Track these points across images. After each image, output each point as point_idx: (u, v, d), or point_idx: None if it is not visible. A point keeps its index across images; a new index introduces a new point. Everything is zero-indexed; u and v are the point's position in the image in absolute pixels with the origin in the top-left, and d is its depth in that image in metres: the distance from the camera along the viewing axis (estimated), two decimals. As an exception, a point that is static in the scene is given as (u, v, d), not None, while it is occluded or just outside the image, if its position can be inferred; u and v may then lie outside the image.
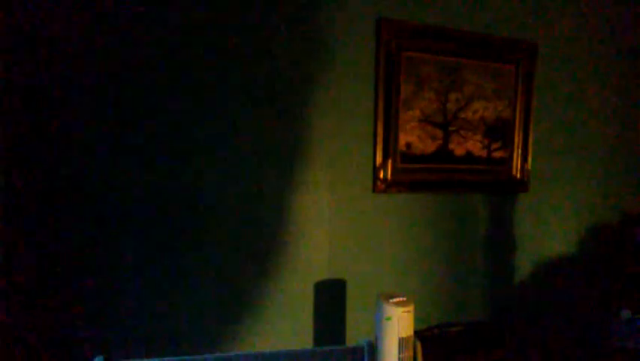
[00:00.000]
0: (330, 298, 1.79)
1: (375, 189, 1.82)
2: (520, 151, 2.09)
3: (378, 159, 1.81)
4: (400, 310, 1.47)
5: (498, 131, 2.04)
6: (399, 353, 1.48)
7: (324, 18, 1.70)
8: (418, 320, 1.92)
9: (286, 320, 1.71)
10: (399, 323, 1.46)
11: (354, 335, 1.81)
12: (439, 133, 1.92)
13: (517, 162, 2.10)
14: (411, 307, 1.51)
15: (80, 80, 1.41)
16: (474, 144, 1.99)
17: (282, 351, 1.14)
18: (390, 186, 1.84)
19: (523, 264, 2.17)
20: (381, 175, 1.82)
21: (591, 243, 2.33)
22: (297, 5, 1.66)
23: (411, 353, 1.52)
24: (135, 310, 1.51)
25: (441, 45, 1.89)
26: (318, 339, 1.76)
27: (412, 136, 1.87)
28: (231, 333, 1.64)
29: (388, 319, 1.47)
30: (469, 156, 1.99)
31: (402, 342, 1.47)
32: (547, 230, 2.22)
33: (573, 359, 2.32)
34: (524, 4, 2.06)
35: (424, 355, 1.75)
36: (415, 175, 1.88)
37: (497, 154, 2.05)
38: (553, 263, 2.24)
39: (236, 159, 1.61)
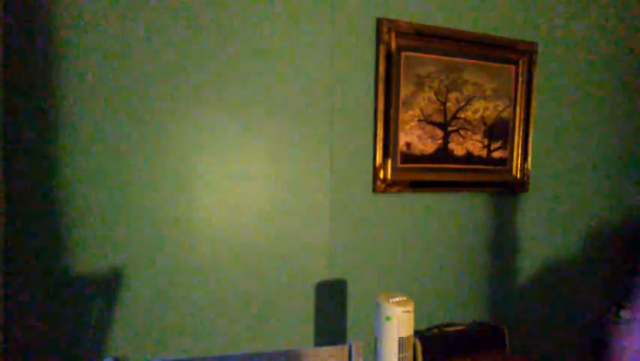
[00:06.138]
0: (331, 298, 1.79)
1: (375, 189, 1.82)
2: (520, 151, 2.10)
3: (378, 159, 1.81)
4: (400, 310, 1.47)
5: (498, 131, 2.05)
6: (399, 353, 1.48)
7: (324, 18, 1.70)
8: (418, 320, 1.92)
9: (286, 320, 1.71)
10: (399, 323, 1.46)
11: (355, 335, 1.81)
12: (439, 133, 1.92)
13: (517, 162, 2.10)
14: (411, 307, 1.51)
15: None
16: (474, 144, 2.00)
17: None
18: (390, 186, 1.84)
19: (523, 264, 2.17)
20: (381, 175, 1.82)
21: (591, 243, 2.33)
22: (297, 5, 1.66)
23: (411, 353, 1.52)
24: (135, 310, 1.51)
25: (441, 45, 1.89)
26: (319, 340, 1.76)
27: (412, 136, 1.87)
28: (231, 333, 1.64)
29: (388, 319, 1.47)
30: (469, 156, 1.99)
31: (402, 342, 1.47)
32: (547, 230, 2.22)
33: (573, 359, 2.32)
34: (524, 4, 2.07)
35: (424, 355, 1.75)
36: (415, 175, 1.89)
37: (497, 154, 2.05)
38: (554, 263, 2.24)
39: (233, 160, 1.61)
